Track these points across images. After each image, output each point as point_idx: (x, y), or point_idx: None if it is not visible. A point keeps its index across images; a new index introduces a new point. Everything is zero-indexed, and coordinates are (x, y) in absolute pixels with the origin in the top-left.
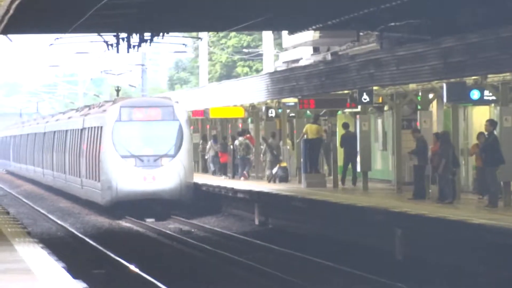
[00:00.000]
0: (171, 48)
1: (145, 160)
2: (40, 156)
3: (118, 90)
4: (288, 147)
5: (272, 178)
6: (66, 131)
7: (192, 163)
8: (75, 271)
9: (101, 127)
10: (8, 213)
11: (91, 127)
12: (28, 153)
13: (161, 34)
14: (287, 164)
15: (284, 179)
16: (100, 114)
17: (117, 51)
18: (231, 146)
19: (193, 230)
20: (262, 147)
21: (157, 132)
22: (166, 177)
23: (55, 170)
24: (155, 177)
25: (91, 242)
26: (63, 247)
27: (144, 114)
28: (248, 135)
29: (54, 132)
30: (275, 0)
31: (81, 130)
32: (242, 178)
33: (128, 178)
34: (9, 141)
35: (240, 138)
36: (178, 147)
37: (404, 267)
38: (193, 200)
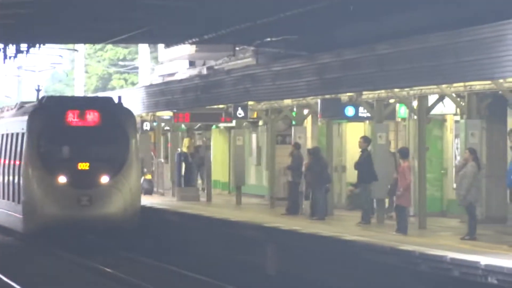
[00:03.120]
0: (47, 59)
1: (80, 177)
2: None
3: (38, 90)
4: (162, 160)
5: None
6: None
7: (139, 181)
8: None
9: (23, 134)
10: None
11: (8, 134)
12: None
13: (37, 45)
14: (151, 176)
15: (149, 191)
16: (21, 117)
17: None
18: None
19: None
20: None
21: (95, 141)
22: (107, 201)
23: None
24: (92, 199)
25: None
26: None
27: (79, 118)
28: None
29: None
30: (152, 13)
31: None
32: None
33: (58, 200)
34: None
35: None
36: (123, 161)
37: (276, 282)
38: (139, 228)
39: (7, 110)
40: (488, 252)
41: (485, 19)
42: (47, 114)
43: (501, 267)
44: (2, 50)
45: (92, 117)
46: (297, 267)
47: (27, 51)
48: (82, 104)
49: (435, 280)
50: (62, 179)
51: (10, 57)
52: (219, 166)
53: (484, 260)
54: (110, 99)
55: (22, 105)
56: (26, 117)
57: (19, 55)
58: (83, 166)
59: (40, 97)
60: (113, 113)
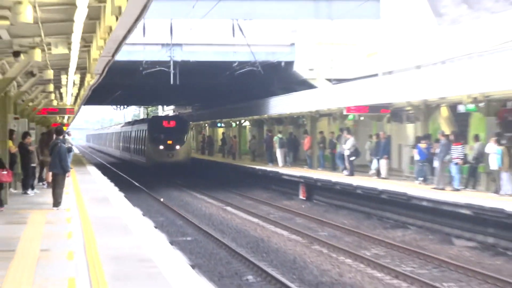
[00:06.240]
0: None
1: (168, 146)
2: (106, 142)
3: (147, 114)
4: None
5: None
6: (120, 132)
7: (190, 148)
8: (106, 176)
9: (145, 130)
10: (84, 157)
11: (139, 130)
12: (105, 141)
13: (129, 105)
14: None
15: None
16: (144, 123)
17: (116, 109)
18: None
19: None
20: None
21: (174, 132)
22: (178, 155)
23: (120, 150)
24: (173, 154)
25: (110, 167)
26: (102, 168)
27: (167, 124)
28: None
29: (113, 133)
30: (161, 95)
31: (131, 131)
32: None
33: (159, 155)
34: (96, 135)
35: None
36: (184, 140)
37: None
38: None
39: (136, 121)
40: (321, 173)
41: (264, 96)
42: (155, 122)
43: (326, 179)
44: (118, 108)
45: (173, 123)
46: (222, 176)
47: (127, 107)
48: (168, 118)
49: (295, 185)
50: (161, 147)
51: (120, 109)
52: None
53: (316, 176)
54: (179, 116)
55: (143, 119)
56: (147, 123)
57: (124, 108)
58: (169, 142)
59: (150, 116)
60: (181, 121)
